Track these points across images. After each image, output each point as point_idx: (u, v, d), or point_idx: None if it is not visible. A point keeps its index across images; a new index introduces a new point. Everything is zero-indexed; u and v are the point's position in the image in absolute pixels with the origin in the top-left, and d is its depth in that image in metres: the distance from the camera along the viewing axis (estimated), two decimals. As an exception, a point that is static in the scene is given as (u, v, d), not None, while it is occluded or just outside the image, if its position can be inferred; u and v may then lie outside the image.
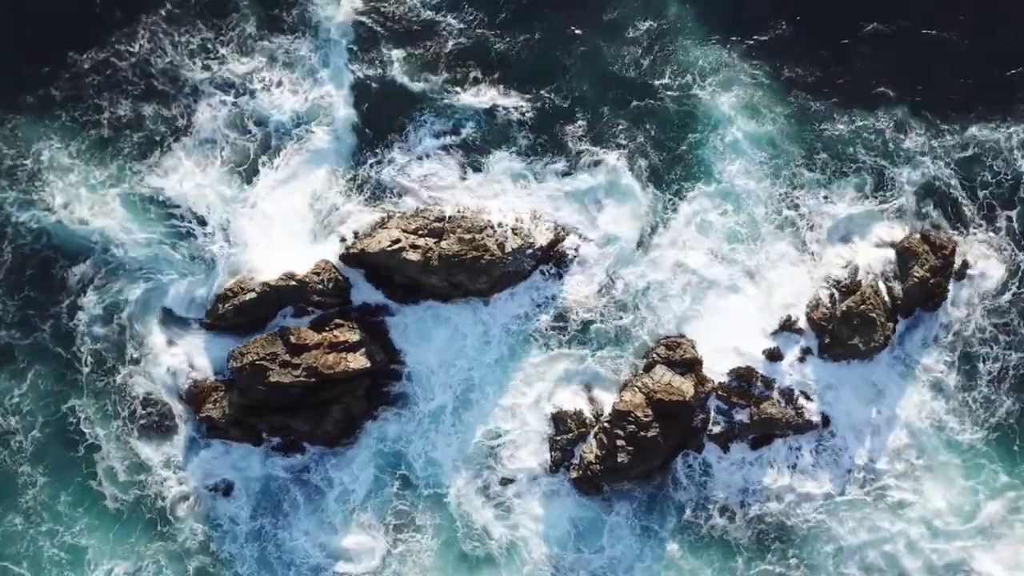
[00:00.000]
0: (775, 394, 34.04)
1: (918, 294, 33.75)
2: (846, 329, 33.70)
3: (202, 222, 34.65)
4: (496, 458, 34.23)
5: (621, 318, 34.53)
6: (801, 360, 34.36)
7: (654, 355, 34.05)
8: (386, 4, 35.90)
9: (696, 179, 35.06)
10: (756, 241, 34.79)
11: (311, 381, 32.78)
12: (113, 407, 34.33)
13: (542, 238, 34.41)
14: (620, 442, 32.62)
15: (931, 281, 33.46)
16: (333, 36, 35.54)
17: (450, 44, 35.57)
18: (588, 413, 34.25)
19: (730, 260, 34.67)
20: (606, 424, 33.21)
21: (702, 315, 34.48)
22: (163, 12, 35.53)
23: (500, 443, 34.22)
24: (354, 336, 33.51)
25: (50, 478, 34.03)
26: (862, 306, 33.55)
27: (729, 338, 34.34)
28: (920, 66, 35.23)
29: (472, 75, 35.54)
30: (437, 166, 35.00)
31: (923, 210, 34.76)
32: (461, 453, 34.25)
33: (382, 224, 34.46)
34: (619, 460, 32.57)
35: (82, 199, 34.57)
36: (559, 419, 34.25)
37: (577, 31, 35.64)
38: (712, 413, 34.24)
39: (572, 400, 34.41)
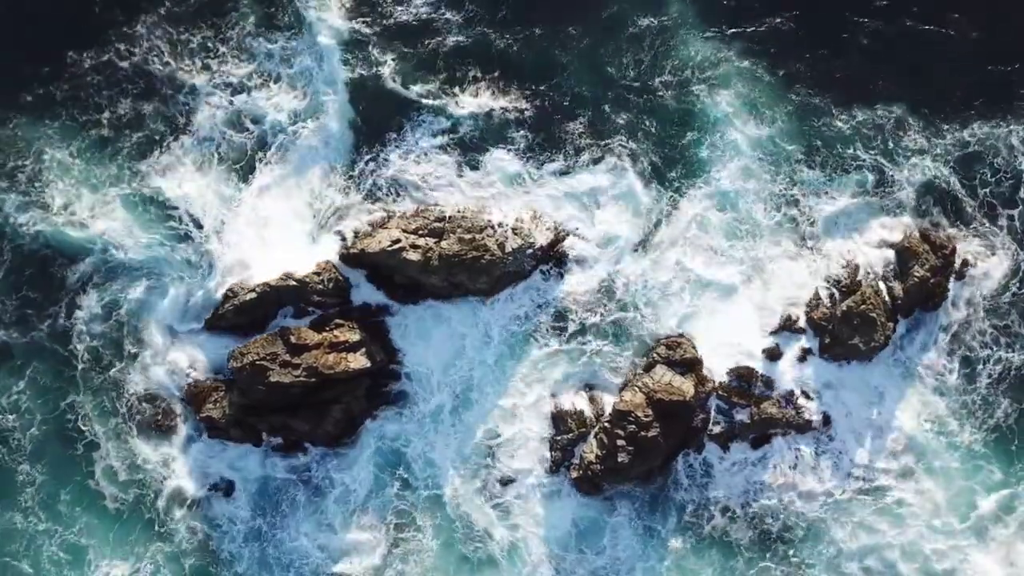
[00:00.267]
0: (775, 394, 34.00)
1: (918, 294, 33.64)
2: (846, 329, 33.61)
3: (198, 224, 34.66)
4: (496, 458, 34.21)
5: (621, 318, 34.49)
6: (801, 360, 34.29)
7: (654, 355, 33.99)
8: (384, 3, 35.90)
9: (696, 177, 35.01)
10: (756, 239, 34.72)
11: (311, 381, 32.78)
12: (111, 404, 34.30)
13: (542, 238, 34.35)
14: (620, 442, 32.56)
15: (931, 281, 33.36)
16: (330, 35, 35.53)
17: (448, 42, 35.56)
18: (588, 413, 34.17)
19: (730, 258, 34.61)
20: (606, 424, 33.14)
21: (702, 314, 34.43)
22: (162, 12, 35.64)
23: (500, 443, 34.21)
24: (354, 336, 33.50)
25: (49, 476, 34.04)
26: (862, 306, 33.46)
27: (729, 337, 34.29)
28: (920, 63, 35.17)
29: (471, 73, 35.51)
30: (435, 165, 34.99)
31: (923, 208, 34.68)
32: (461, 453, 34.21)
33: (382, 224, 34.45)
34: (619, 460, 32.51)
35: (82, 199, 34.63)
36: (559, 419, 34.19)
37: (576, 28, 35.60)
38: (712, 413, 34.18)
39: (572, 400, 34.34)
